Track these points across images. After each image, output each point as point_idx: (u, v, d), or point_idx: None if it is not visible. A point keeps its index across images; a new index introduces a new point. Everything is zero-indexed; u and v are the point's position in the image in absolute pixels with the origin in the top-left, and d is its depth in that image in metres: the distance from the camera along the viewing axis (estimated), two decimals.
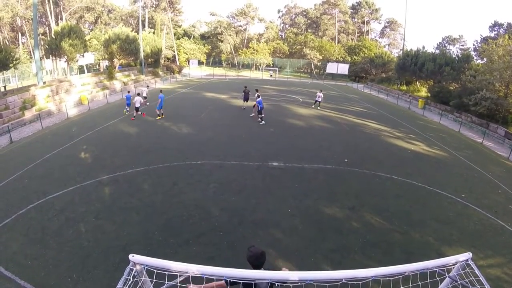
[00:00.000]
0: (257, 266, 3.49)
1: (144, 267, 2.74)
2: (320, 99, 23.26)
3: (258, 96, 17.87)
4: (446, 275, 3.16)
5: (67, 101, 20.94)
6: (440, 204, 9.31)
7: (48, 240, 6.70)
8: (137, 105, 17.84)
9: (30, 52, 45.38)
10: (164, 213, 8.04)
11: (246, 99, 21.18)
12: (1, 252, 6.28)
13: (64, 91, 22.55)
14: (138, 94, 18.50)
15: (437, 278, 3.24)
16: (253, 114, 19.07)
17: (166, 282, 2.73)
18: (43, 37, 44.79)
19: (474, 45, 49.13)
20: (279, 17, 73.65)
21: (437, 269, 3.01)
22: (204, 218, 7.85)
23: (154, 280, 2.83)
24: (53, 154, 12.01)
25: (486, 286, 2.86)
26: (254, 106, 18.56)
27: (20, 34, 50.40)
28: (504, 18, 72.72)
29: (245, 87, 21.82)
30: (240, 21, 68.28)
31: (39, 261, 6.07)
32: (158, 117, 17.91)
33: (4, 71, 22.01)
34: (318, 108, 23.22)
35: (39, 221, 7.41)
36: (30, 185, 9.29)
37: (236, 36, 67.31)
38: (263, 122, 17.66)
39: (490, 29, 46.01)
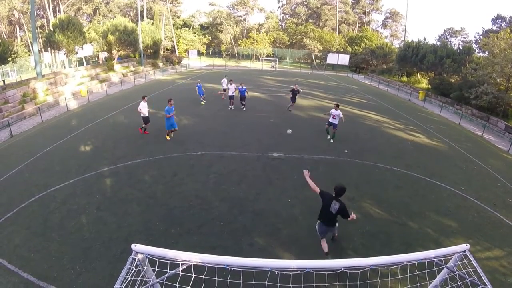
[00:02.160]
0: (338, 194, 5.81)
1: (146, 257, 2.79)
2: (336, 121, 13.16)
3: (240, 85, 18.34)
4: (444, 266, 3.21)
5: (66, 94, 20.87)
6: (439, 196, 9.35)
7: (51, 233, 6.77)
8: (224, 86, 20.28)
9: (28, 45, 44.99)
10: (165, 203, 8.10)
11: (294, 99, 18.76)
12: (4, 246, 6.34)
13: (63, 83, 22.45)
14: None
15: (435, 269, 3.30)
16: (231, 105, 19.01)
17: (168, 271, 2.78)
18: (41, 30, 44.33)
19: (475, 37, 48.64)
20: (279, 7, 72.68)
21: (435, 259, 3.06)
22: (205, 209, 7.92)
23: (156, 269, 2.88)
24: (54, 147, 12.03)
25: (483, 277, 2.91)
26: (225, 95, 19.26)
27: (18, 28, 49.88)
28: (507, 11, 71.44)
29: (296, 85, 18.56)
30: (239, 11, 67.48)
31: (42, 253, 6.13)
32: (168, 137, 13.14)
33: (3, 65, 21.86)
34: (332, 139, 13.66)
35: (41, 214, 7.47)
36: (31, 179, 9.33)
37: (236, 26, 66.58)
38: (244, 108, 18.62)
39: (493, 22, 45.39)
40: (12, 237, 6.60)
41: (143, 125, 13.52)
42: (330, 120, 13.28)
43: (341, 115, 13.12)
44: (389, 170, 10.96)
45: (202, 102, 20.13)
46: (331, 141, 13.53)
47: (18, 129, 14.55)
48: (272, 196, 8.72)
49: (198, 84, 20.12)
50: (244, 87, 18.11)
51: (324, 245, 6.07)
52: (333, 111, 13.29)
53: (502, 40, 21.15)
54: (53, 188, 8.73)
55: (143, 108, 12.98)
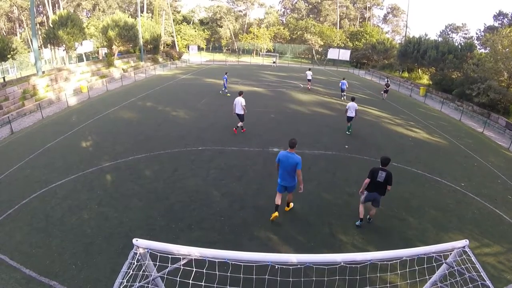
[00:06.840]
0: (384, 164, 6.99)
1: (147, 251, 2.81)
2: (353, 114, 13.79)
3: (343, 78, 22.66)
4: (443, 261, 3.23)
5: (66, 90, 20.84)
6: (439, 192, 9.36)
7: (52, 229, 6.78)
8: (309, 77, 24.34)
9: (28, 42, 44.81)
10: (166, 199, 8.13)
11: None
12: (6, 242, 6.34)
13: (63, 80, 22.40)
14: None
15: (434, 264, 3.31)
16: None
17: (169, 265, 2.81)
18: (40, 26, 44.15)
19: (477, 34, 48.47)
20: (280, 2, 72.37)
21: (434, 254, 3.07)
22: (206, 204, 7.94)
23: (157, 263, 2.91)
24: (55, 143, 12.04)
25: (482, 273, 2.93)
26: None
27: (17, 24, 49.69)
28: (509, 8, 70.47)
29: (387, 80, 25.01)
30: (239, 6, 67.19)
31: (44, 249, 6.14)
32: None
33: (3, 62, 21.81)
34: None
35: (43, 210, 7.48)
36: (32, 175, 9.34)
37: (236, 21, 66.31)
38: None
39: (494, 18, 45.17)
40: (13, 234, 6.61)
41: (240, 124, 13.22)
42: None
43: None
44: (389, 165, 10.92)
45: (228, 94, 21.45)
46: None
47: (18, 126, 14.55)
48: (272, 191, 8.68)
49: (225, 76, 21.66)
50: (345, 80, 22.43)
51: (361, 210, 7.14)
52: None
53: (506, 37, 20.95)
54: (54, 184, 8.75)
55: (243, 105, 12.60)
